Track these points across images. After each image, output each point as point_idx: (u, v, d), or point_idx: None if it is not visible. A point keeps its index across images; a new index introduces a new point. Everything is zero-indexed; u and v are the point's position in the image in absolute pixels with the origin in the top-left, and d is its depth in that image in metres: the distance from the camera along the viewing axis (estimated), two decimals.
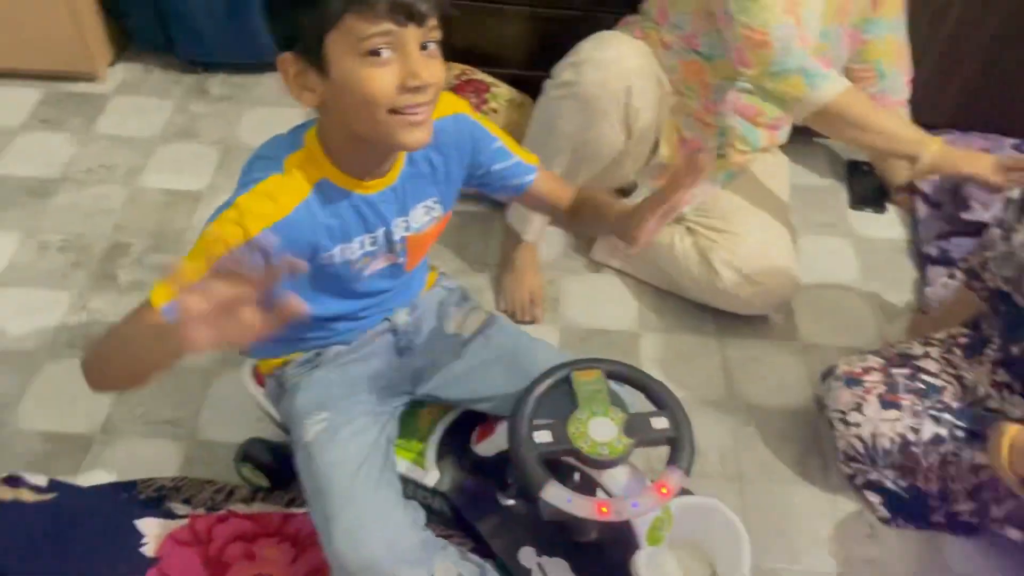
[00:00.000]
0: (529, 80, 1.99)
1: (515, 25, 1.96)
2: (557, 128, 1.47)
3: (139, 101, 2.09)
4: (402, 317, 1.18)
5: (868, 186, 1.95)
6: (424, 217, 1.07)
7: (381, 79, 0.84)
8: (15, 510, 1.27)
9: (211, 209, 0.95)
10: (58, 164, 1.91)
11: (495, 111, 1.84)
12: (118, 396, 1.49)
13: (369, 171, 0.98)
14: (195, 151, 1.97)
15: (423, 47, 0.86)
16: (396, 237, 1.05)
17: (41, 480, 1.32)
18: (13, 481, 1.31)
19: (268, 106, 2.09)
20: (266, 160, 0.96)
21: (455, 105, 1.04)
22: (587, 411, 0.95)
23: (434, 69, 0.87)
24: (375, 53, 0.83)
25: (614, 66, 1.40)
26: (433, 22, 0.86)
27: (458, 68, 1.93)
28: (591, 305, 1.69)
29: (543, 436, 0.93)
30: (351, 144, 0.94)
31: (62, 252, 1.73)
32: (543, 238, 1.69)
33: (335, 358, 1.16)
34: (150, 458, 1.41)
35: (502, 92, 1.90)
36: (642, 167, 1.62)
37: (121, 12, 2.08)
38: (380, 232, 1.03)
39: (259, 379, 1.24)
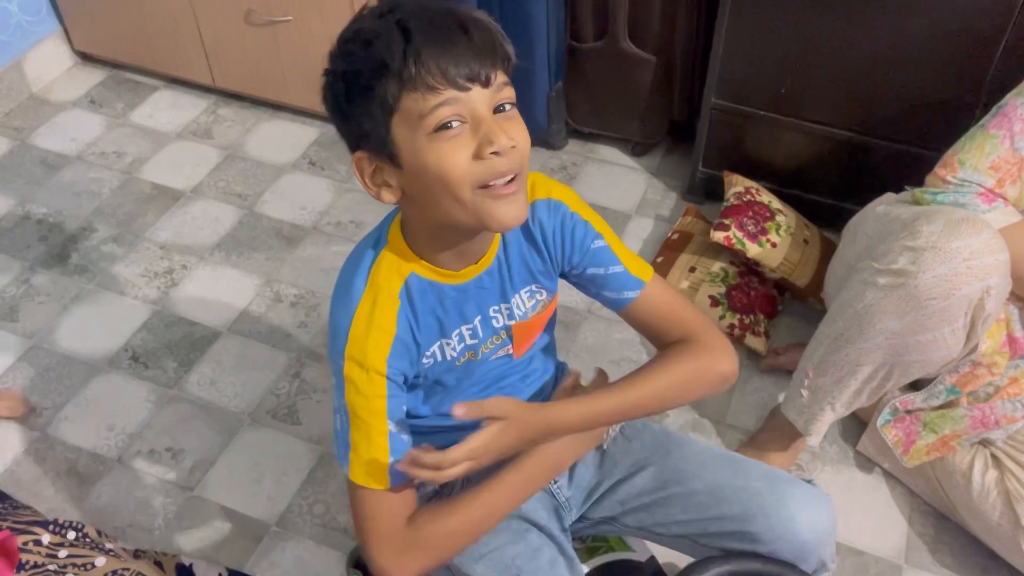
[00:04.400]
0: (821, 208, 1.73)
1: (819, 146, 1.68)
2: (876, 324, 1.15)
3: None
4: None
5: None
6: (528, 302, 0.94)
7: (455, 153, 0.75)
8: None
9: None
10: (312, 212, 1.90)
11: (773, 245, 1.57)
12: (301, 487, 1.41)
13: (460, 260, 0.87)
14: None
15: (500, 109, 0.77)
16: (498, 325, 0.93)
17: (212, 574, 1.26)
18: (185, 573, 1.25)
19: None
20: (350, 274, 0.87)
21: (550, 189, 0.91)
22: None
23: (513, 132, 0.77)
24: (444, 127, 0.75)
25: (971, 262, 1.07)
26: (501, 79, 0.77)
27: (741, 184, 1.69)
28: (845, 511, 1.36)
29: None
30: (438, 235, 0.85)
31: (292, 308, 1.69)
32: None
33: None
34: (315, 569, 1.31)
35: (787, 222, 1.62)
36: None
37: None
38: (476, 321, 0.92)
39: None
